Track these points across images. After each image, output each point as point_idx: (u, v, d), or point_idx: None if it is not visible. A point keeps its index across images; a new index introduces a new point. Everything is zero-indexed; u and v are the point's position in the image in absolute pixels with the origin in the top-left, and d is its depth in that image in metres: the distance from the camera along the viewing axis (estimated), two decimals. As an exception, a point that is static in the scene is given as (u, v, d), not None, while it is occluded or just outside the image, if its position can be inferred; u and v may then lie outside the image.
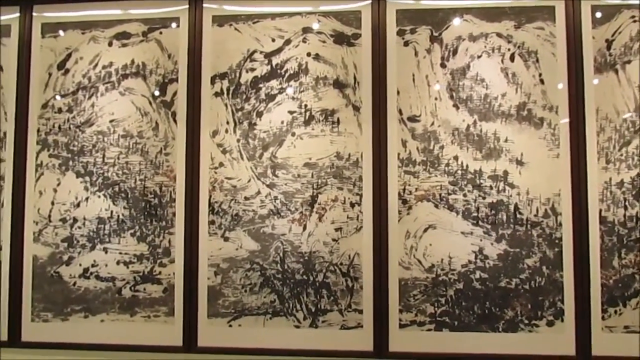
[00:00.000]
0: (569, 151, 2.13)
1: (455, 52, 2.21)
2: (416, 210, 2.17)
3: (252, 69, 2.29)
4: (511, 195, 2.14)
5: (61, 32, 2.40)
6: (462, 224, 2.15)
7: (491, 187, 2.15)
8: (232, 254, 2.23)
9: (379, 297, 2.14)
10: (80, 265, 2.30)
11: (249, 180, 2.25)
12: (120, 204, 2.30)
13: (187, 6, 2.34)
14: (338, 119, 2.23)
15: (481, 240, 2.14)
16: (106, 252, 2.29)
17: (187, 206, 2.26)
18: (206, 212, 2.25)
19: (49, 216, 2.33)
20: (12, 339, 2.30)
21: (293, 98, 2.26)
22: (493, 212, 2.14)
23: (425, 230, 2.16)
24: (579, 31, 2.16)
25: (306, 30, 2.28)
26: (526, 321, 2.10)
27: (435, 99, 2.20)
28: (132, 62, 2.35)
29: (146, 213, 2.28)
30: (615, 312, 2.08)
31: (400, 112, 2.21)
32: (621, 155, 2.11)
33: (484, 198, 2.15)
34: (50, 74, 2.39)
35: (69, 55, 2.39)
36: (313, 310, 2.18)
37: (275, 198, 2.22)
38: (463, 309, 2.13)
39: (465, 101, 2.19)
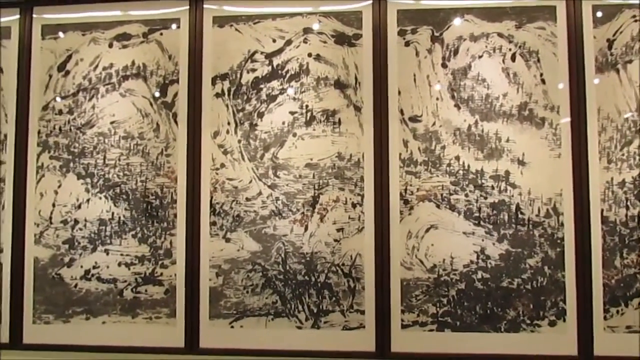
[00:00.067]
0: (571, 151, 2.13)
1: (456, 52, 2.21)
2: (418, 211, 2.17)
3: (253, 70, 2.28)
4: (513, 195, 2.14)
5: (61, 34, 2.40)
6: (464, 224, 2.15)
7: (493, 187, 2.15)
8: (234, 255, 2.23)
9: (380, 297, 2.14)
10: (81, 267, 2.30)
11: (251, 181, 2.24)
12: (121, 205, 2.30)
13: (187, 7, 2.34)
14: (339, 120, 2.23)
15: (483, 240, 2.14)
16: (107, 254, 2.29)
17: (188, 207, 2.25)
18: (207, 213, 2.25)
19: (50, 218, 2.33)
20: (13, 341, 2.30)
21: (294, 98, 2.25)
22: (495, 212, 2.14)
23: (427, 230, 2.16)
24: (580, 31, 2.16)
25: (307, 30, 2.27)
26: (528, 321, 2.10)
27: (437, 99, 2.20)
28: (133, 63, 2.35)
29: (147, 214, 2.28)
30: (617, 312, 2.08)
31: (401, 112, 2.20)
32: (623, 155, 2.11)
33: (485, 198, 2.15)
34: (50, 76, 2.39)
35: (70, 57, 2.39)
36: (315, 311, 2.18)
37: (277, 199, 2.22)
38: (465, 309, 2.13)
39: (466, 101, 2.18)
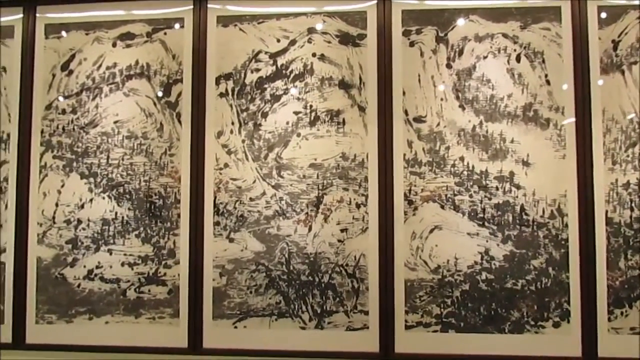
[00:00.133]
0: (575, 152, 2.12)
1: (461, 52, 2.20)
2: (422, 211, 2.16)
3: (257, 70, 2.28)
4: (517, 196, 2.13)
5: (65, 33, 2.39)
6: (468, 225, 2.14)
7: (497, 188, 2.15)
8: (237, 255, 2.22)
9: (384, 298, 2.14)
10: (84, 266, 2.29)
11: (254, 181, 2.24)
12: (124, 205, 2.29)
13: (191, 7, 2.33)
14: (343, 120, 2.22)
15: (487, 241, 2.13)
16: (111, 254, 2.28)
17: (192, 207, 2.25)
18: (211, 213, 2.24)
19: (53, 218, 2.32)
20: (16, 341, 2.29)
21: (298, 98, 2.25)
22: (499, 213, 2.14)
23: (431, 231, 2.16)
24: (585, 32, 2.15)
25: (311, 30, 2.27)
26: (532, 322, 2.10)
27: (441, 99, 2.20)
28: (137, 62, 2.34)
29: (151, 214, 2.28)
30: (622, 313, 2.07)
31: (406, 112, 2.20)
32: (627, 156, 2.11)
33: (490, 199, 2.15)
34: (54, 75, 2.38)
35: (73, 56, 2.38)
36: (319, 311, 2.18)
37: (281, 199, 2.22)
38: (469, 310, 2.12)
39: (471, 102, 2.18)
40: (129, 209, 2.29)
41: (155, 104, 2.32)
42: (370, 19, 2.24)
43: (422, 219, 2.16)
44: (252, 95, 2.27)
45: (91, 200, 2.31)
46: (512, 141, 2.15)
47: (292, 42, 2.27)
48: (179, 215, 2.26)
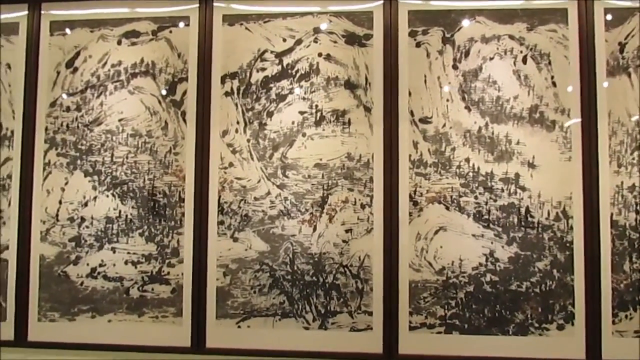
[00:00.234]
0: (581, 154, 2.12)
1: (467, 53, 2.20)
2: (427, 212, 2.16)
3: (263, 69, 2.27)
4: (522, 198, 2.13)
5: (70, 30, 2.39)
6: (473, 226, 2.14)
7: (502, 190, 2.14)
8: (242, 254, 2.22)
9: (389, 299, 2.13)
10: (87, 264, 2.29)
11: (259, 181, 2.23)
12: (128, 203, 2.29)
13: (197, 5, 2.32)
14: (349, 120, 2.22)
15: (492, 243, 2.13)
16: (114, 252, 2.28)
17: (196, 206, 2.24)
18: (215, 213, 2.24)
19: (57, 215, 2.32)
20: (18, 339, 2.29)
21: (304, 98, 2.25)
22: (504, 214, 2.13)
23: (436, 232, 2.15)
24: (592, 34, 2.15)
25: (317, 30, 2.27)
26: (536, 324, 2.09)
27: (447, 100, 2.19)
28: (142, 60, 2.34)
29: (155, 213, 2.27)
30: (626, 316, 2.07)
31: (411, 113, 2.19)
32: (633, 158, 2.11)
33: (495, 201, 2.14)
34: (58, 72, 2.37)
35: (78, 54, 2.37)
36: (322, 311, 2.17)
37: (286, 199, 2.21)
38: (473, 312, 2.12)
39: (477, 103, 2.18)
40: (133, 207, 2.28)
41: (160, 102, 2.31)
42: (376, 19, 2.24)
43: (427, 220, 2.16)
44: (258, 95, 2.27)
45: (95, 198, 2.30)
46: (517, 143, 2.15)
47: (298, 42, 2.27)
48: (183, 214, 2.25)
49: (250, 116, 2.27)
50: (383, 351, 2.12)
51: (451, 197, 2.16)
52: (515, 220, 2.13)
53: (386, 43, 2.22)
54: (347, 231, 2.18)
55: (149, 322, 2.24)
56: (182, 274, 2.23)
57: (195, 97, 2.29)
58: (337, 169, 2.20)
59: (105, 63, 2.35)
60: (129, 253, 2.27)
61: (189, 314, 2.21)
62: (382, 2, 2.24)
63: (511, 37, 2.19)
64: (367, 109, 2.22)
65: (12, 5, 2.40)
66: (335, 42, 2.25)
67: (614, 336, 2.06)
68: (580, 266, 2.09)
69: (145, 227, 2.27)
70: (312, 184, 2.21)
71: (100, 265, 2.28)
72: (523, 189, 2.13)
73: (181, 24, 2.33)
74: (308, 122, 2.23)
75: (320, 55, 2.25)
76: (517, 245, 2.12)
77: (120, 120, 2.32)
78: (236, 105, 2.28)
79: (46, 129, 2.35)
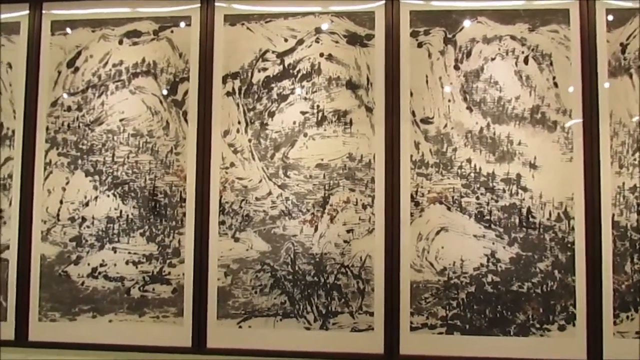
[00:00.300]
0: (582, 155, 2.12)
1: (469, 54, 2.20)
2: (428, 213, 2.16)
3: (264, 69, 2.27)
4: (524, 199, 2.13)
5: (71, 30, 2.38)
6: (475, 227, 2.14)
7: (504, 190, 2.14)
8: (243, 254, 2.22)
9: (390, 299, 2.13)
10: (88, 264, 2.28)
11: (260, 181, 2.23)
12: (129, 203, 2.28)
13: (198, 5, 2.32)
14: (351, 120, 2.22)
15: (493, 243, 2.13)
16: (115, 252, 2.27)
17: (197, 206, 2.24)
18: (217, 213, 2.23)
19: (58, 215, 2.31)
20: (19, 338, 2.28)
21: (305, 98, 2.24)
22: (505, 215, 2.13)
23: (438, 232, 2.15)
24: (594, 34, 2.15)
25: (319, 30, 2.26)
26: (538, 325, 2.09)
27: (449, 101, 2.19)
28: (143, 60, 2.33)
29: (156, 213, 2.27)
30: (627, 317, 2.07)
31: (413, 113, 2.19)
32: (634, 159, 2.11)
33: (496, 201, 2.14)
34: (59, 72, 2.37)
35: (79, 53, 2.37)
36: (324, 312, 2.17)
37: (287, 199, 2.21)
38: (474, 313, 2.12)
39: (478, 103, 2.18)
40: (134, 207, 2.28)
41: (161, 102, 2.31)
42: (378, 20, 2.23)
43: (429, 221, 2.16)
44: (259, 95, 2.27)
45: (96, 198, 2.30)
46: (519, 143, 2.15)
47: (300, 42, 2.27)
48: (184, 214, 2.25)
49: (252, 116, 2.26)
50: (384, 352, 2.12)
51: (452, 197, 2.16)
52: (517, 220, 2.13)
53: (388, 43, 2.22)
54: (348, 231, 2.18)
55: (150, 322, 2.23)
56: (183, 274, 2.23)
57: (197, 97, 2.28)
58: (339, 169, 2.20)
59: (107, 63, 2.35)
60: (129, 253, 2.27)
61: (190, 314, 2.21)
62: (383, 2, 2.23)
63: (513, 37, 2.19)
64: (369, 109, 2.22)
65: (14, 4, 2.40)
66: (336, 42, 2.25)
67: (615, 337, 2.06)
68: (581, 267, 2.09)
69: (147, 227, 2.27)
70: (314, 184, 2.21)
71: (101, 265, 2.27)
72: (524, 189, 2.13)
73: (182, 24, 2.33)
74: (309, 122, 2.23)
75: (321, 55, 2.25)
76: (518, 245, 2.12)
77: (121, 120, 2.32)
78: (237, 105, 2.27)
79: (47, 128, 2.35)
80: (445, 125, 2.18)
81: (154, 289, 2.24)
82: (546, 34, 2.17)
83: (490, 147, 2.16)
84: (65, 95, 2.36)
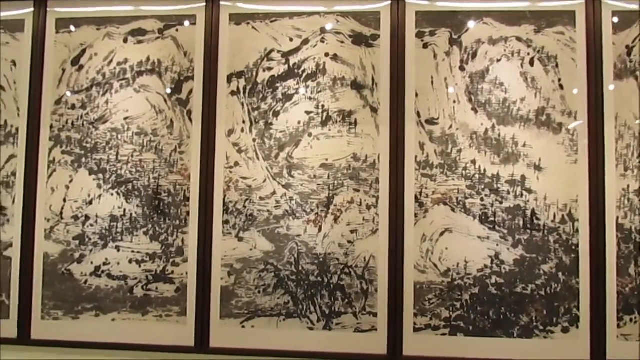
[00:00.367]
0: (587, 157, 2.12)
1: (474, 55, 2.19)
2: (433, 214, 2.16)
3: (269, 68, 2.27)
4: (528, 201, 2.13)
5: (76, 28, 2.38)
6: (479, 228, 2.14)
7: (508, 192, 2.14)
8: (246, 254, 2.21)
9: (393, 300, 2.13)
10: (91, 263, 2.28)
11: (265, 181, 2.23)
12: (133, 202, 2.28)
13: (204, 4, 2.32)
14: (355, 120, 2.21)
15: (497, 245, 2.13)
16: (118, 251, 2.27)
17: (201, 205, 2.24)
18: (220, 212, 2.23)
19: (61, 213, 2.31)
20: (21, 337, 2.28)
21: (310, 98, 2.24)
22: (510, 217, 2.13)
23: (442, 233, 2.15)
24: (599, 37, 2.15)
25: (324, 30, 2.26)
26: (541, 327, 2.09)
27: (454, 102, 2.19)
28: (148, 59, 2.33)
29: (159, 212, 2.26)
30: (631, 320, 2.07)
31: (418, 114, 2.19)
32: (639, 162, 2.10)
33: (501, 203, 2.14)
34: (64, 70, 2.37)
35: (84, 51, 2.37)
36: (327, 312, 2.17)
37: (291, 199, 2.21)
38: (478, 314, 2.12)
39: (483, 105, 2.17)
40: (137, 206, 2.28)
41: (165, 100, 2.31)
42: (383, 20, 2.23)
43: (433, 222, 2.15)
44: (264, 94, 2.26)
45: (100, 196, 2.30)
46: (524, 145, 2.15)
47: (305, 42, 2.26)
48: (188, 213, 2.25)
49: (256, 115, 2.26)
50: (387, 352, 2.12)
51: (457, 198, 2.15)
52: (521, 222, 2.13)
53: (393, 44, 2.22)
54: (352, 232, 2.18)
55: (153, 321, 2.23)
56: (187, 273, 2.23)
57: (201, 96, 2.28)
58: (343, 170, 2.20)
59: (111, 61, 2.35)
60: (133, 252, 2.26)
61: (193, 314, 2.21)
62: (389, 2, 2.23)
63: (518, 39, 2.18)
64: (374, 110, 2.21)
65: (18, 2, 2.39)
66: (342, 42, 2.25)
67: (618, 340, 2.06)
68: (585, 269, 2.09)
69: (150, 226, 2.27)
70: (318, 184, 2.20)
71: (105, 264, 2.27)
72: (529, 191, 2.13)
73: (187, 23, 2.33)
74: (314, 122, 2.23)
75: (327, 55, 2.25)
76: (522, 247, 2.12)
77: (125, 118, 2.32)
78: (242, 104, 2.27)
79: (51, 126, 2.35)
80: (450, 127, 2.18)
81: (157, 288, 2.24)
82: (552, 36, 2.17)
83: (495, 148, 2.16)
84: (69, 93, 2.36)
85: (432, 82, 2.20)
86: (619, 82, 2.14)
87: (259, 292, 2.20)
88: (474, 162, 2.16)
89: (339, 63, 2.24)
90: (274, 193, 2.22)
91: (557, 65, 2.16)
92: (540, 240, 2.11)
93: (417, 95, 2.19)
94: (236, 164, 2.25)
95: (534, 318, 2.10)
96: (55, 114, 2.35)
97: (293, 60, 2.26)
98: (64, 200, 2.31)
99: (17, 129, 2.35)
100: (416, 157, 2.17)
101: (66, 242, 2.30)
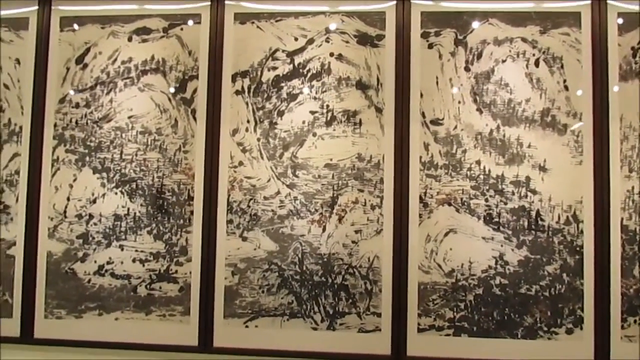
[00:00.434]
0: (592, 158, 2.11)
1: (479, 55, 2.19)
2: (437, 214, 2.15)
3: (274, 68, 2.27)
4: (533, 202, 2.13)
5: (80, 27, 2.37)
6: (483, 229, 2.14)
7: (513, 193, 2.14)
8: (250, 254, 2.21)
9: (397, 300, 2.13)
10: (95, 262, 2.28)
11: (269, 180, 2.23)
12: (137, 201, 2.28)
13: (208, 3, 2.31)
14: (360, 120, 2.21)
15: (502, 245, 2.12)
16: (122, 250, 2.27)
17: (205, 205, 2.23)
18: (224, 211, 2.23)
19: (65, 212, 2.31)
20: (24, 336, 2.28)
21: (315, 98, 2.24)
22: (514, 217, 2.13)
23: (446, 234, 2.15)
24: (605, 38, 2.15)
25: (329, 30, 2.26)
26: (545, 328, 2.09)
27: (459, 102, 2.19)
28: (152, 58, 2.33)
29: (163, 211, 2.26)
30: (635, 321, 2.07)
31: (423, 114, 2.19)
32: (644, 163, 2.11)
33: (505, 203, 2.14)
34: (68, 69, 2.36)
35: (88, 50, 2.36)
36: (331, 312, 2.16)
37: (295, 198, 2.20)
38: (482, 315, 2.11)
39: (488, 105, 2.17)
40: (141, 205, 2.27)
41: (170, 99, 2.30)
42: (389, 20, 2.23)
43: (437, 222, 2.15)
44: (269, 94, 2.26)
45: (103, 195, 2.29)
46: (529, 146, 2.14)
47: (310, 41, 2.26)
48: (191, 213, 2.24)
49: (261, 115, 2.26)
50: (391, 353, 2.12)
51: (461, 199, 2.15)
52: (526, 223, 2.12)
53: (398, 44, 2.21)
54: (356, 232, 2.18)
55: (156, 320, 2.23)
56: (190, 272, 2.23)
57: (206, 95, 2.28)
58: (348, 170, 2.20)
59: (116, 60, 2.34)
60: (137, 251, 2.26)
61: (197, 313, 2.20)
62: (394, 2, 2.23)
63: (524, 39, 2.18)
64: (379, 110, 2.21)
65: (23, 0, 2.39)
66: (347, 42, 2.25)
67: (622, 341, 2.06)
68: (590, 270, 2.09)
69: (154, 225, 2.26)
70: (322, 184, 2.20)
71: (108, 263, 2.27)
72: (534, 192, 2.13)
73: (192, 22, 2.32)
74: (319, 122, 2.22)
75: (332, 55, 2.25)
76: (527, 248, 2.12)
77: (129, 117, 2.31)
78: (247, 103, 2.27)
79: (55, 125, 2.34)
80: (455, 127, 2.18)
81: (160, 288, 2.24)
82: (557, 37, 2.17)
83: (500, 149, 2.15)
84: (73, 92, 2.35)
85: (437, 83, 2.20)
86: (624, 83, 2.14)
87: (263, 291, 2.19)
88: (478, 162, 2.16)
89: (343, 63, 2.24)
90: (278, 193, 2.22)
91: (562, 67, 2.16)
92: (545, 241, 2.11)
93: (422, 95, 2.19)
94: (240, 163, 2.24)
95: (538, 319, 2.10)
96: (59, 113, 2.35)
97: (298, 59, 2.26)
98: (68, 199, 2.31)
99: (20, 128, 2.35)
100: (421, 157, 2.17)
101: (70, 241, 2.29)
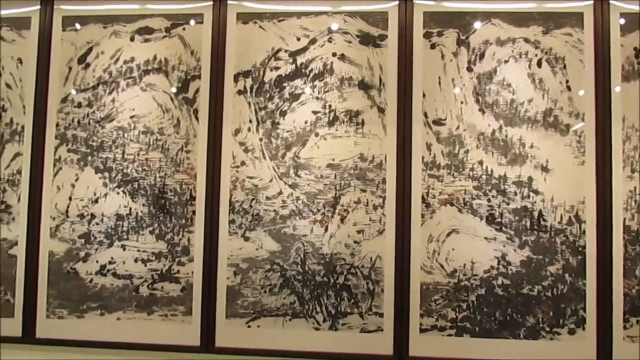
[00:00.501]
0: (595, 159, 2.11)
1: (482, 56, 2.19)
2: (439, 214, 2.15)
3: (277, 68, 2.27)
4: (535, 202, 2.13)
5: (82, 26, 2.37)
6: (486, 229, 2.14)
7: (515, 193, 2.14)
8: (252, 254, 2.21)
9: (400, 300, 2.13)
10: (97, 262, 2.28)
11: (271, 180, 2.23)
12: (139, 200, 2.28)
13: (211, 2, 2.31)
14: (362, 121, 2.21)
15: (504, 246, 2.12)
16: (124, 249, 2.27)
17: (207, 205, 2.23)
18: (227, 211, 2.23)
19: (67, 212, 2.30)
20: (26, 335, 2.27)
21: (317, 98, 2.24)
22: (517, 218, 2.13)
23: (448, 234, 2.15)
24: (607, 38, 2.15)
25: (332, 30, 2.26)
26: (547, 329, 2.09)
27: (461, 102, 2.19)
28: (154, 57, 2.32)
29: (165, 211, 2.26)
30: (637, 321, 2.07)
31: (425, 115, 2.19)
32: (646, 164, 2.11)
33: (508, 204, 2.14)
34: (70, 68, 2.36)
35: (90, 49, 2.36)
36: (333, 312, 2.16)
37: (297, 198, 2.20)
38: (484, 315, 2.11)
39: (491, 106, 2.17)
40: (143, 204, 2.27)
41: (172, 99, 2.30)
42: (391, 20, 2.23)
43: (439, 222, 2.15)
44: (271, 94, 2.26)
45: (105, 195, 2.29)
46: (531, 146, 2.14)
47: (313, 41, 2.26)
48: (194, 213, 2.24)
49: (263, 115, 2.26)
50: (393, 353, 2.12)
51: (464, 199, 2.15)
52: (528, 223, 2.12)
53: (401, 44, 2.21)
54: (358, 232, 2.18)
55: (158, 320, 2.23)
56: (192, 272, 2.23)
57: (208, 95, 2.28)
58: (350, 170, 2.20)
59: (118, 59, 2.34)
60: (139, 251, 2.26)
61: (199, 313, 2.20)
62: (397, 2, 2.23)
63: (526, 40, 2.18)
64: (381, 110, 2.21)
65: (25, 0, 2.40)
66: (349, 42, 2.25)
67: (625, 341, 2.06)
68: (592, 271, 2.09)
69: (156, 224, 2.26)
70: (325, 184, 2.20)
71: (110, 263, 2.27)
72: (536, 192, 2.13)
73: (195, 22, 2.32)
74: (321, 122, 2.22)
75: (334, 55, 2.24)
76: (529, 248, 2.12)
77: (132, 117, 2.31)
78: (249, 103, 2.27)
79: (57, 124, 2.34)
80: (458, 127, 2.18)
81: (162, 287, 2.24)
82: (560, 37, 2.17)
83: (502, 149, 2.15)
84: (75, 92, 2.35)
85: (440, 83, 2.20)
86: (627, 83, 2.14)
87: (265, 291, 2.19)
88: (481, 163, 2.16)
89: (346, 63, 2.24)
90: (280, 193, 2.22)
91: (564, 67, 2.16)
92: (547, 242, 2.11)
93: (424, 95, 2.19)
94: (242, 163, 2.24)
95: (540, 319, 2.10)
96: (61, 112, 2.35)
97: (300, 59, 2.26)
98: (70, 199, 2.31)
99: (22, 127, 2.35)
100: (423, 157, 2.17)
101: (71, 241, 2.29)
